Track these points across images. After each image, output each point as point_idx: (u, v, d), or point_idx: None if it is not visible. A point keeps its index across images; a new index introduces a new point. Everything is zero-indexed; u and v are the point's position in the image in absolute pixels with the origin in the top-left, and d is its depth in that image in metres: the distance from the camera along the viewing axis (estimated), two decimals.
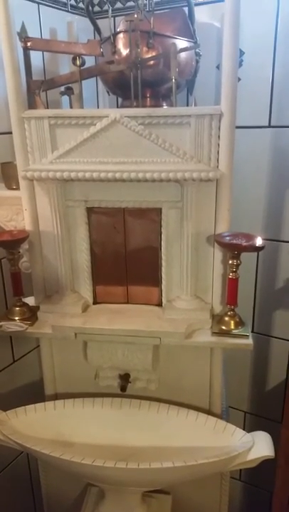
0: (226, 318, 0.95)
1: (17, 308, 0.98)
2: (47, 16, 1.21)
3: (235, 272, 0.91)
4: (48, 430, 0.98)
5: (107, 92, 1.17)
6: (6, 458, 1.27)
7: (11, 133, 0.92)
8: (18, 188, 0.97)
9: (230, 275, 0.92)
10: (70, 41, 0.98)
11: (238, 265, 0.91)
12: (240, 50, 1.17)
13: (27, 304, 1.00)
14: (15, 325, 0.96)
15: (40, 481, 1.21)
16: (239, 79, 1.11)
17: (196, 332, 0.95)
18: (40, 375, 1.17)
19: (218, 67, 1.27)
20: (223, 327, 0.94)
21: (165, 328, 0.93)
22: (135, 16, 0.88)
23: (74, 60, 0.91)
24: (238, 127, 0.88)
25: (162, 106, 1.04)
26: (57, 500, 1.20)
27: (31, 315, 0.99)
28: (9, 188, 1.00)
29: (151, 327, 0.93)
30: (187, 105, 1.20)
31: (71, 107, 0.98)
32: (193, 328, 0.95)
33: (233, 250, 0.89)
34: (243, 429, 1.40)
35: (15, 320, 0.97)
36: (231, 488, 1.20)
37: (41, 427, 0.98)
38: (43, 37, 1.21)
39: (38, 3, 1.18)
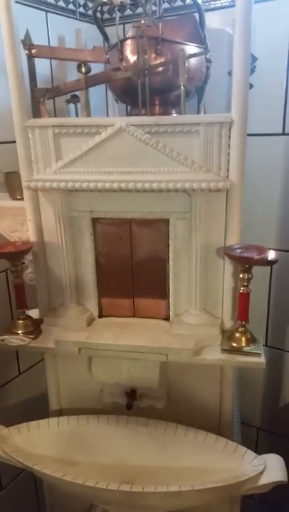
0: (237, 335, 0.91)
1: (20, 321, 0.96)
2: (55, 23, 1.20)
3: (246, 286, 0.87)
4: (51, 448, 0.95)
5: (116, 100, 1.15)
6: (11, 472, 1.25)
7: (15, 142, 0.90)
8: (22, 198, 0.95)
9: (242, 290, 0.87)
10: (75, 48, 0.95)
11: (249, 279, 0.86)
12: (253, 56, 1.13)
13: (31, 317, 0.98)
14: (18, 339, 0.93)
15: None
16: (251, 85, 1.07)
17: (205, 349, 0.91)
18: (46, 388, 1.14)
19: (229, 73, 1.24)
20: (234, 344, 0.90)
21: (172, 345, 0.89)
22: (142, 21, 0.85)
23: (79, 67, 0.89)
24: (250, 135, 0.85)
25: (171, 113, 1.01)
26: None
27: (35, 328, 0.96)
28: (13, 198, 0.98)
29: (158, 343, 0.90)
30: (198, 113, 1.17)
31: (77, 116, 0.96)
32: (202, 345, 0.91)
33: (244, 264, 0.85)
34: (256, 446, 1.35)
35: (18, 333, 0.94)
36: (243, 507, 1.15)
37: (44, 444, 0.95)
38: (51, 45, 1.20)
39: (46, 11, 1.17)
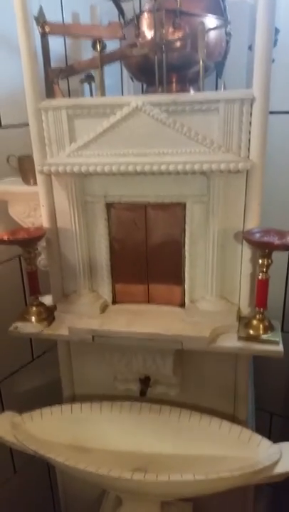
0: (255, 322, 0.88)
1: (34, 308, 0.95)
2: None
3: (265, 272, 0.84)
4: (64, 434, 0.95)
5: (131, 79, 1.11)
6: (24, 455, 1.26)
7: (29, 124, 0.88)
8: (35, 183, 0.93)
9: (260, 276, 0.84)
10: (90, 24, 0.91)
11: (268, 265, 0.83)
12: (276, 28, 1.07)
13: (44, 304, 0.96)
14: (31, 326, 0.92)
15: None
16: (273, 60, 1.02)
17: (221, 336, 0.89)
18: (59, 374, 1.14)
19: (250, 47, 1.17)
20: (251, 331, 0.87)
21: (187, 332, 0.87)
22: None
23: (94, 44, 0.85)
24: (271, 112, 0.80)
25: (189, 91, 0.96)
26: (74, 503, 1.18)
27: (48, 315, 0.95)
28: (27, 182, 0.96)
29: (173, 331, 0.88)
30: (217, 90, 1.12)
31: (92, 96, 0.93)
32: (218, 332, 0.89)
33: (264, 249, 0.81)
34: (269, 432, 1.33)
35: (31, 320, 0.93)
36: (258, 493, 1.14)
37: (57, 431, 0.95)
38: (65, 22, 1.15)
39: None
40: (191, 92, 0.96)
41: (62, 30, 0.88)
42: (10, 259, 1.12)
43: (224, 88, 0.90)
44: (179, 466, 0.88)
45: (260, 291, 0.85)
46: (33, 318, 0.94)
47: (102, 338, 0.91)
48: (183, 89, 0.96)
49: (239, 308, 0.92)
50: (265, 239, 0.80)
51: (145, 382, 0.99)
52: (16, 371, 1.20)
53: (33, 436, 0.91)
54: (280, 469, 0.83)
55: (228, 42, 0.95)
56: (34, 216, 0.97)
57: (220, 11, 0.93)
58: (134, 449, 0.95)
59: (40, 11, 0.84)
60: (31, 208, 0.97)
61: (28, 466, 1.27)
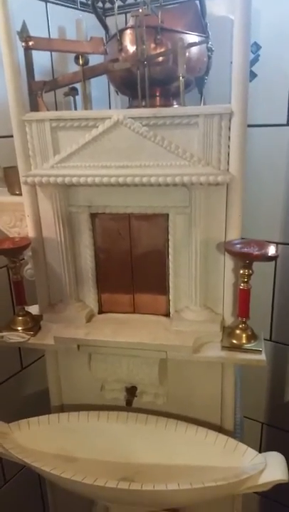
0: (237, 332, 0.89)
1: (20, 318, 0.95)
2: (55, 14, 1.18)
3: (246, 282, 0.85)
4: (51, 444, 0.95)
5: (116, 92, 1.13)
6: (14, 465, 1.26)
7: (13, 136, 0.89)
8: (21, 194, 0.94)
9: (242, 286, 0.85)
10: (73, 39, 0.93)
11: (249, 275, 0.84)
12: (257, 44, 1.10)
13: (30, 313, 0.97)
14: (17, 335, 0.93)
15: None
16: (255, 75, 1.04)
17: (204, 346, 0.89)
18: (47, 384, 1.15)
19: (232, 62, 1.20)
20: (234, 341, 0.88)
21: (172, 342, 0.88)
22: (140, 10, 0.83)
23: (76, 58, 0.87)
24: (253, 125, 0.82)
25: (172, 105, 0.98)
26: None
27: (34, 324, 0.95)
28: (12, 193, 0.97)
29: (157, 340, 0.88)
30: (200, 104, 1.14)
31: (75, 109, 0.94)
32: (202, 342, 0.90)
33: (244, 259, 0.83)
34: (260, 441, 1.34)
35: (18, 330, 0.94)
36: (247, 502, 1.14)
37: (44, 441, 0.95)
38: (51, 36, 1.17)
39: (46, 1, 1.15)
40: (175, 105, 0.98)
41: (46, 44, 0.90)
42: None
43: (204, 103, 0.92)
44: (166, 476, 0.88)
45: (242, 301, 0.86)
46: (20, 328, 0.95)
47: (87, 347, 0.91)
48: (166, 102, 0.98)
49: (223, 317, 0.93)
50: (245, 250, 0.81)
51: (131, 391, 0.99)
52: (4, 381, 1.21)
53: (20, 446, 0.91)
54: (265, 479, 0.83)
55: (210, 57, 0.97)
56: (20, 226, 0.98)
57: (201, 28, 0.95)
58: (121, 458, 0.95)
59: (24, 26, 0.86)
60: (17, 218, 0.98)
61: (18, 477, 1.27)
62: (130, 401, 0.97)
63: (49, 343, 0.92)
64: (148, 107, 0.90)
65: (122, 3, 1.27)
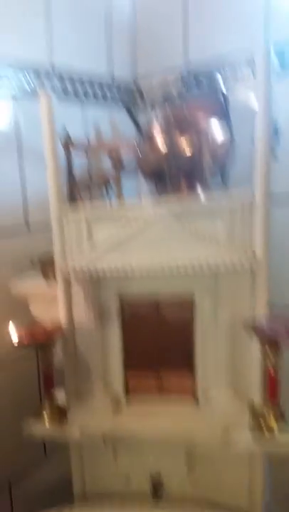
0: (268, 419, 0.85)
1: (47, 408, 0.94)
2: (91, 110, 1.28)
3: (275, 365, 0.83)
4: None
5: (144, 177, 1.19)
6: None
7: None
8: (55, 280, 0.97)
9: (270, 369, 0.83)
10: (109, 143, 1.01)
11: (279, 357, 0.82)
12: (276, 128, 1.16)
13: (57, 403, 0.96)
14: (43, 427, 0.91)
15: None
16: (276, 158, 1.08)
17: (233, 434, 0.86)
18: (71, 471, 1.10)
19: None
20: (264, 427, 0.84)
21: (200, 431, 0.86)
22: (169, 112, 0.90)
23: (112, 159, 0.94)
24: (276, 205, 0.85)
25: (198, 189, 1.03)
26: None
27: (61, 415, 0.93)
28: (47, 279, 1.00)
29: (185, 430, 0.87)
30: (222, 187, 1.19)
31: (109, 200, 1.00)
32: (230, 429, 0.86)
33: (273, 342, 0.81)
34: None
35: (44, 421, 0.92)
36: None
37: None
38: (86, 130, 1.28)
39: (83, 103, 1.27)
40: (199, 190, 1.03)
41: (84, 148, 0.98)
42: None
43: (227, 185, 0.95)
44: None
45: (272, 385, 0.84)
46: (46, 419, 0.93)
47: (114, 440, 0.89)
48: (191, 187, 1.03)
49: (252, 400, 0.90)
50: (273, 333, 0.80)
51: (158, 481, 0.94)
52: (28, 469, 1.16)
53: None
54: None
55: (233, 146, 1.03)
56: (52, 312, 1.00)
57: (225, 117, 1.02)
58: None
59: (65, 132, 0.94)
60: (50, 304, 1.00)
61: None
62: (157, 492, 0.92)
63: (75, 436, 0.90)
64: (175, 193, 0.94)
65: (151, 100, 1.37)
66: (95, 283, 0.93)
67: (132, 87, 1.41)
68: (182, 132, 0.96)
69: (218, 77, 1.24)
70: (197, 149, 0.95)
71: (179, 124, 0.95)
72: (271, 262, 0.85)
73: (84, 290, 0.94)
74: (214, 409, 0.89)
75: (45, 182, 0.92)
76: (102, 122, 1.31)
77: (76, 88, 1.24)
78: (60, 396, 1.00)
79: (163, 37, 1.34)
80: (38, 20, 1.13)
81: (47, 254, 1.00)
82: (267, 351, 0.84)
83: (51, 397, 0.95)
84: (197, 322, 0.92)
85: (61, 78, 1.19)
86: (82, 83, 1.25)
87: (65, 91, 1.20)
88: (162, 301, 0.95)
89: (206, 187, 0.93)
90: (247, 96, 1.22)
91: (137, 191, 1.38)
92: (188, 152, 0.95)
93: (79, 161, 1.02)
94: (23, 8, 1.09)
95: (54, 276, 0.97)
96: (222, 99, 1.07)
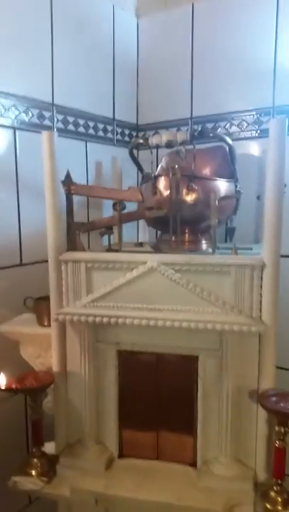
0: (272, 494, 0.80)
1: (35, 460, 0.89)
2: (93, 149, 1.28)
3: (282, 440, 0.79)
4: None
5: (146, 224, 1.18)
6: None
7: (46, 261, 0.91)
8: (49, 325, 0.94)
9: (277, 443, 0.79)
10: (112, 188, 1.00)
11: (286, 433, 0.79)
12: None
13: (46, 455, 0.91)
14: (30, 482, 0.86)
15: None
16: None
17: (235, 508, 0.81)
18: None
19: (258, 197, 1.27)
20: (268, 505, 0.80)
21: (199, 504, 0.80)
22: (176, 166, 0.90)
23: (114, 205, 0.93)
24: (284, 256, 0.83)
25: (201, 241, 1.02)
26: None
27: (49, 468, 0.88)
28: (40, 324, 0.97)
29: (183, 500, 0.81)
30: (225, 238, 1.18)
31: (109, 245, 0.98)
32: (232, 503, 0.81)
33: (280, 416, 0.78)
34: None
35: (31, 474, 0.87)
36: None
37: None
38: (88, 168, 1.28)
39: (86, 141, 1.27)
40: (203, 242, 1.01)
41: (86, 191, 0.97)
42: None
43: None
44: None
45: (278, 461, 0.79)
46: (34, 472, 0.88)
47: (106, 502, 0.83)
48: (195, 239, 1.01)
49: (255, 472, 0.85)
50: (282, 405, 0.77)
51: None
52: None
53: None
54: None
55: (238, 200, 1.03)
56: (44, 357, 0.97)
57: (230, 171, 1.02)
58: None
59: (68, 176, 0.93)
60: (42, 348, 0.97)
61: None
62: None
63: (64, 494, 0.84)
64: (178, 242, 0.92)
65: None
66: (91, 329, 0.90)
67: (135, 130, 1.43)
68: (188, 185, 0.95)
69: (225, 129, 1.25)
70: (202, 200, 0.94)
71: (186, 177, 0.94)
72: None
73: (79, 336, 0.90)
74: (215, 481, 0.84)
75: (42, 218, 0.90)
76: (105, 161, 1.32)
77: (78, 126, 1.24)
78: (50, 446, 0.95)
79: (170, 85, 1.36)
80: (47, 61, 1.14)
81: (41, 295, 0.98)
82: (273, 421, 0.80)
83: (39, 449, 0.90)
84: (199, 383, 0.87)
85: (64, 117, 1.19)
86: (86, 123, 1.26)
87: (67, 129, 1.20)
88: (163, 355, 0.90)
89: (209, 239, 0.91)
90: (251, 151, 1.23)
91: (138, 236, 1.38)
92: (193, 204, 0.94)
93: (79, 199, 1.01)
94: (29, 45, 1.09)
95: (48, 319, 0.94)
96: (228, 151, 1.07)
